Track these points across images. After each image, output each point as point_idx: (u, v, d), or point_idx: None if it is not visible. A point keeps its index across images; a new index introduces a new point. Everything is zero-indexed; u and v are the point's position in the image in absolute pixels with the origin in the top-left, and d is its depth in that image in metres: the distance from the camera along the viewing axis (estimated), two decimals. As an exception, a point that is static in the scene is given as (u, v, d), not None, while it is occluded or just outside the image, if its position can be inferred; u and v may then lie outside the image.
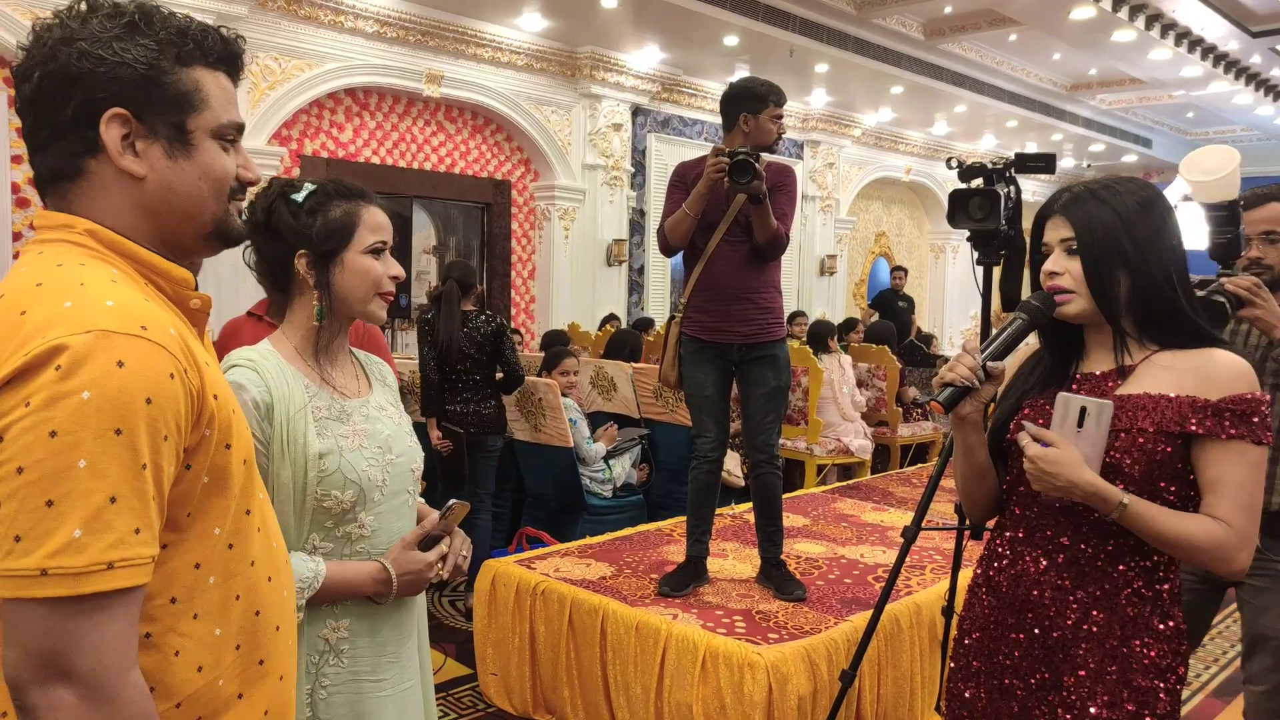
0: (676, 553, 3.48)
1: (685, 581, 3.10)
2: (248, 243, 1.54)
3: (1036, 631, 1.49)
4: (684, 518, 3.72)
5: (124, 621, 0.88)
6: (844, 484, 5.28)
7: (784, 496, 3.42)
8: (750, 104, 3.00)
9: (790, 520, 3.53)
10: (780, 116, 3.02)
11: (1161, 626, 1.45)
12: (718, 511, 3.41)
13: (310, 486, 1.47)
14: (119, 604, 0.86)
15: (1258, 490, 1.42)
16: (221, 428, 0.97)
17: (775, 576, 3.14)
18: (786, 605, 3.01)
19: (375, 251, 1.56)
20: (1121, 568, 1.46)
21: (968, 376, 1.49)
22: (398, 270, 1.59)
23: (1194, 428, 1.40)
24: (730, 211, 2.97)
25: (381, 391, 1.66)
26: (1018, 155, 2.46)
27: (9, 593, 0.84)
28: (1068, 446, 1.41)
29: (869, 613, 2.72)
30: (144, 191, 0.98)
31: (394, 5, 7.06)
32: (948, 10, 8.23)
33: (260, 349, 1.55)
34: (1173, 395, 1.42)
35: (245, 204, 1.17)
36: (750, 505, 4.01)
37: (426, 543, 1.57)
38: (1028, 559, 1.52)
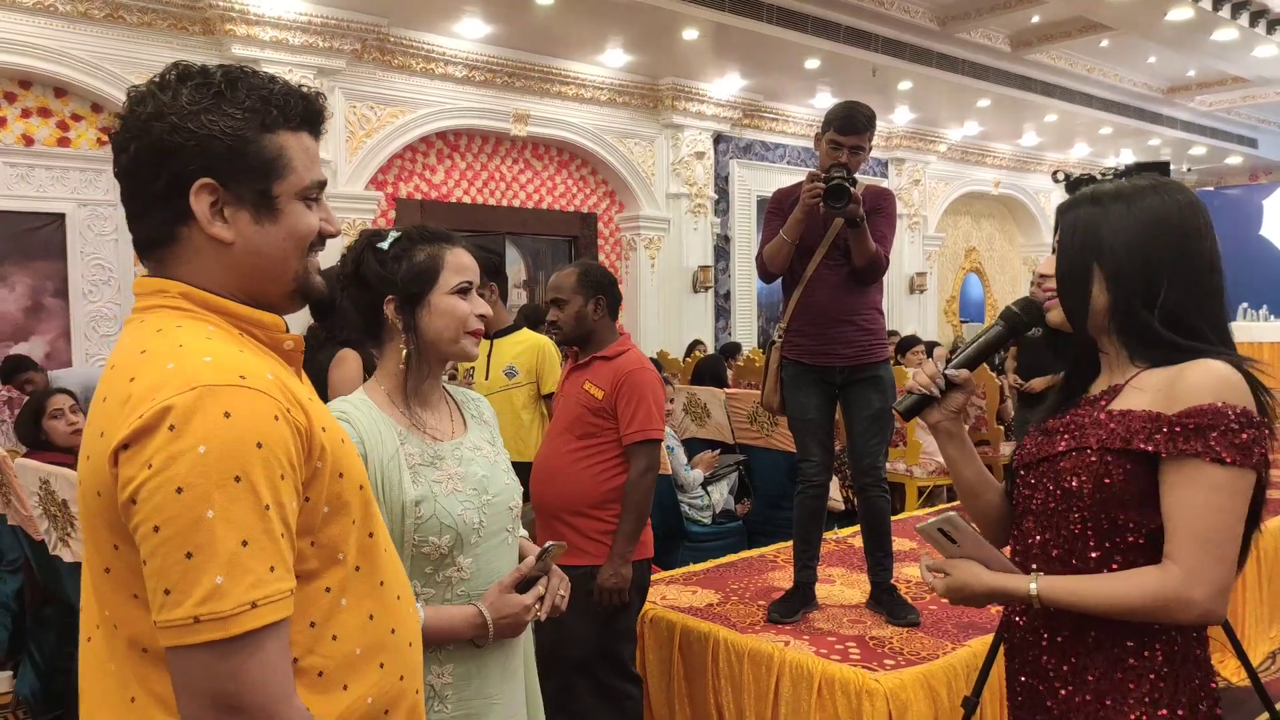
0: (782, 579, 3.45)
1: (795, 608, 3.07)
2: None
3: (1040, 689, 1.38)
4: (786, 543, 3.68)
5: (277, 653, 0.93)
6: (949, 505, 5.16)
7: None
8: (822, 127, 2.98)
9: (897, 544, 3.46)
10: (839, 145, 2.87)
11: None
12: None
13: (408, 534, 1.49)
14: (269, 638, 0.91)
15: (1221, 518, 1.21)
16: (333, 458, 1.02)
17: (887, 602, 3.08)
18: (901, 631, 2.95)
19: (461, 292, 1.59)
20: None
21: (926, 385, 1.45)
22: (484, 308, 1.62)
23: (1141, 444, 1.24)
24: (828, 235, 2.96)
25: (477, 430, 1.67)
26: (1129, 166, 2.40)
27: (170, 642, 0.89)
28: (958, 565, 1.37)
29: (988, 637, 2.64)
30: (232, 255, 1.03)
31: (481, 49, 7.30)
32: (1035, 20, 8.07)
33: (354, 399, 1.59)
34: (1131, 410, 1.28)
35: (342, 253, 1.21)
36: (853, 529, 3.95)
37: (524, 585, 1.58)
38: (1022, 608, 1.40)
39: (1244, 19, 7.69)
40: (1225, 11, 7.47)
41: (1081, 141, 11.95)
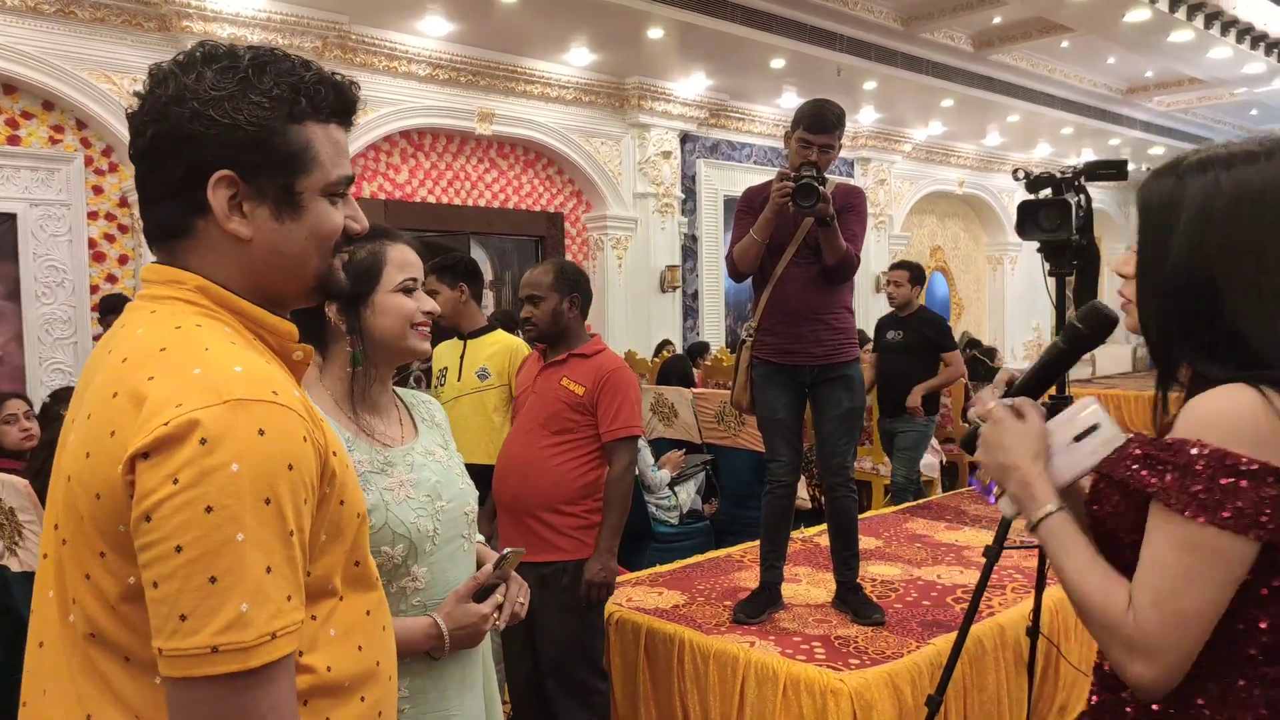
0: (748, 579, 3.44)
1: (760, 608, 3.06)
2: None
3: None
4: (753, 543, 3.68)
5: (290, 687, 0.88)
6: (915, 504, 5.19)
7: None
8: (792, 125, 2.98)
9: (863, 542, 3.48)
10: (809, 143, 2.88)
11: None
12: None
13: None
14: (282, 670, 0.87)
15: (1182, 584, 0.98)
16: (340, 484, 0.97)
17: (853, 601, 3.09)
18: (866, 630, 2.96)
19: (406, 290, 1.54)
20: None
21: (985, 416, 1.25)
22: (431, 306, 1.57)
23: (1122, 471, 1.05)
24: (799, 234, 2.95)
25: (429, 434, 1.62)
26: (1088, 163, 2.41)
27: (179, 673, 0.83)
28: (1035, 417, 1.16)
29: (951, 635, 2.65)
30: (250, 252, 0.97)
31: (445, 48, 7.23)
32: (997, 20, 8.15)
33: None
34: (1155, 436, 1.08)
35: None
36: (821, 528, 3.95)
37: (481, 593, 1.53)
38: None
39: (1199, 20, 7.82)
40: (1181, 13, 7.59)
41: (1044, 141, 12.10)
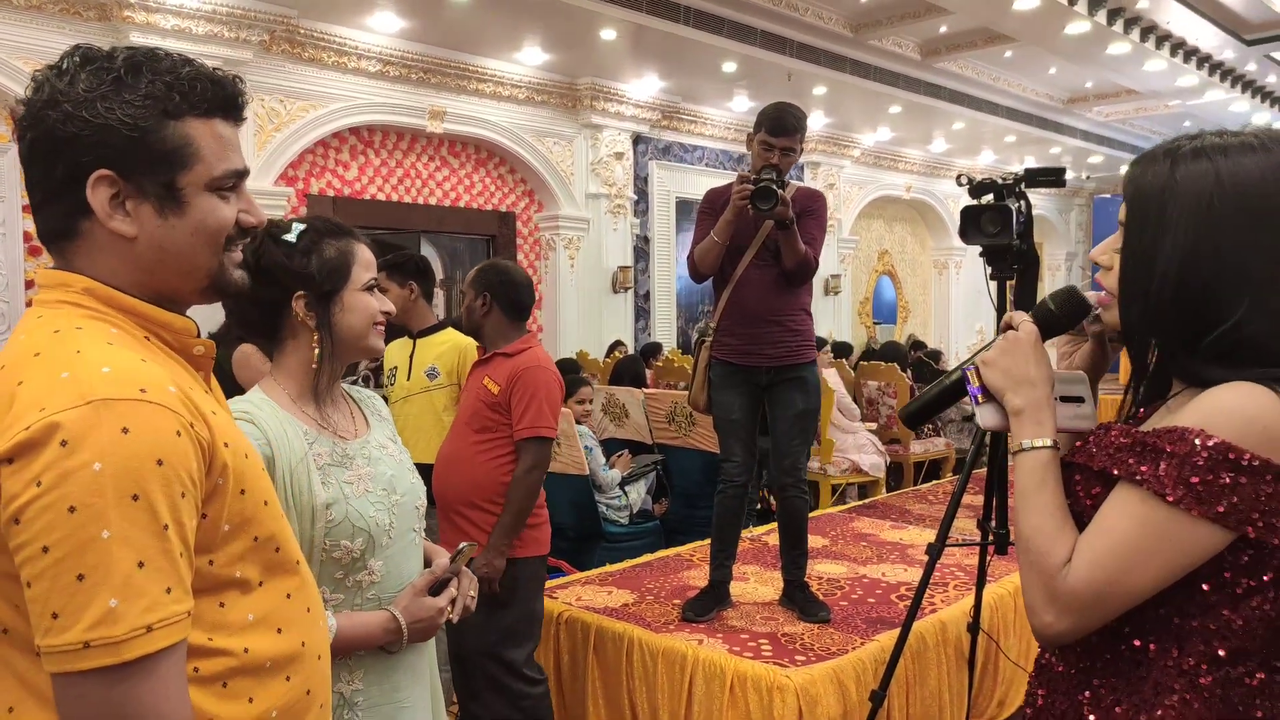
0: (697, 578, 3.47)
1: (709, 606, 3.09)
2: None
3: None
4: (703, 542, 3.71)
5: (174, 677, 0.89)
6: (861, 503, 5.27)
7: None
8: (754, 127, 3.02)
9: (809, 541, 3.53)
10: (770, 146, 2.93)
11: None
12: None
13: (318, 539, 1.44)
14: (166, 661, 0.88)
15: (1130, 554, 0.98)
16: (235, 475, 0.98)
17: (799, 599, 3.13)
18: (812, 627, 3.00)
19: (369, 289, 1.57)
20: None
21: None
22: (389, 306, 1.60)
23: (1103, 461, 1.04)
24: (759, 236, 2.99)
25: (379, 428, 1.64)
26: (1027, 170, 2.47)
27: (57, 668, 0.85)
28: (1030, 346, 1.13)
29: (895, 632, 2.70)
30: (138, 250, 0.98)
31: (396, 44, 7.16)
32: (943, 29, 8.31)
33: (254, 398, 1.51)
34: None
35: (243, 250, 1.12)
36: (769, 527, 4.00)
37: (436, 587, 1.55)
38: None
39: (1135, 34, 8.06)
40: (1119, 26, 7.82)
41: (988, 149, 12.36)
